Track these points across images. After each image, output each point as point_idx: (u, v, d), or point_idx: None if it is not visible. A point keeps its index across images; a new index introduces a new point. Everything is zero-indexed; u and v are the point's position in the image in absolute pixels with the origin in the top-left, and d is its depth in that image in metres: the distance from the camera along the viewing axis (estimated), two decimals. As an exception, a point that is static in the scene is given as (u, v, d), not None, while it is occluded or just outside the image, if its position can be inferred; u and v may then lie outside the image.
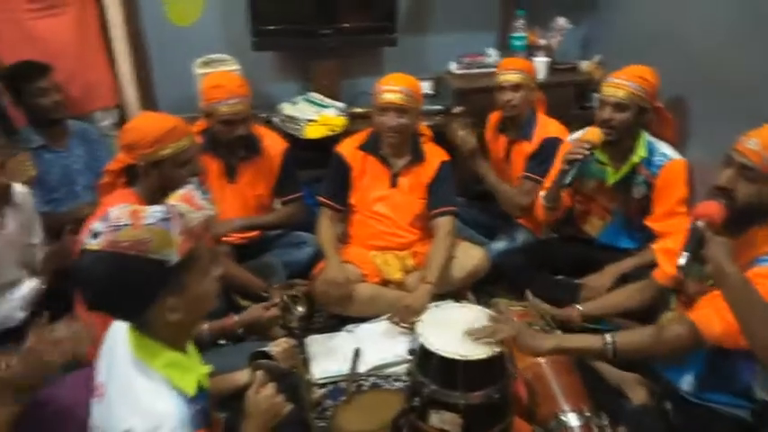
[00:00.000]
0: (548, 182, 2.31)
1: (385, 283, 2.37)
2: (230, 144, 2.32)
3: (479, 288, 2.46)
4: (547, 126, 2.56)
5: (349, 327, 2.30)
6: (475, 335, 1.52)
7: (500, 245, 2.56)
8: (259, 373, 1.34)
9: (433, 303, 1.90)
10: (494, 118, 2.73)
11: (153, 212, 1.08)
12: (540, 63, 3.04)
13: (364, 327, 2.28)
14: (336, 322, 2.34)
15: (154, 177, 1.77)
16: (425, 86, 3.12)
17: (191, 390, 1.13)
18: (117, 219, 1.06)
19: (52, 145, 2.45)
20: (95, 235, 1.05)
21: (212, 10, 2.98)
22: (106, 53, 2.90)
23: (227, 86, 2.24)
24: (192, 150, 1.81)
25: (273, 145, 2.46)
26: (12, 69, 2.42)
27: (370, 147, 2.39)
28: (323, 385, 2.05)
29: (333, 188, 2.44)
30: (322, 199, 2.45)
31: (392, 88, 2.25)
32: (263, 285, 2.19)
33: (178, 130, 1.77)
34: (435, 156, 2.40)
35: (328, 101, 3.00)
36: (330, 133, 2.84)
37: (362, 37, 3.09)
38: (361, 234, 2.45)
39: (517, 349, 1.58)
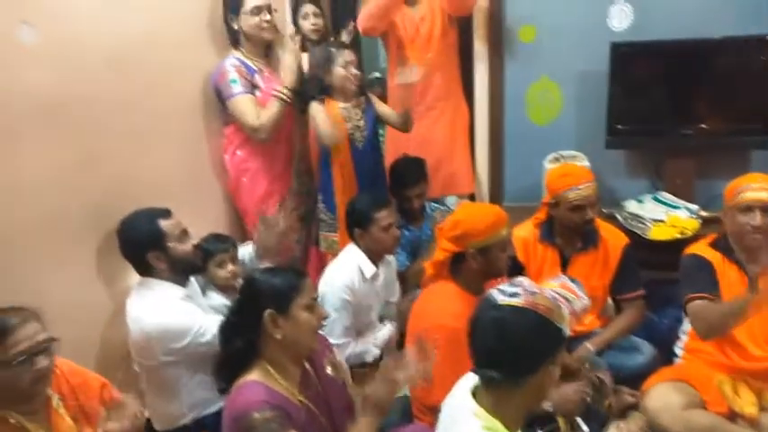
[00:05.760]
0: None
1: (731, 415, 2.02)
2: (570, 233, 2.36)
3: None
4: None
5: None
6: None
7: None
8: None
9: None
10: None
11: (548, 291, 1.24)
12: None
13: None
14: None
15: (480, 263, 1.92)
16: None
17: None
18: (530, 286, 1.23)
19: (410, 224, 2.91)
20: (511, 294, 1.21)
21: (568, 112, 3.16)
22: (469, 145, 3.24)
23: (574, 174, 2.33)
24: (509, 237, 1.98)
25: (612, 239, 2.41)
26: (395, 165, 2.93)
27: (723, 249, 2.14)
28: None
29: (706, 285, 2.11)
30: (703, 295, 2.10)
31: (758, 186, 2.06)
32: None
33: (502, 219, 1.94)
34: None
35: (680, 202, 2.83)
36: (679, 236, 2.65)
37: (728, 138, 2.86)
38: (707, 348, 2.14)
39: None
